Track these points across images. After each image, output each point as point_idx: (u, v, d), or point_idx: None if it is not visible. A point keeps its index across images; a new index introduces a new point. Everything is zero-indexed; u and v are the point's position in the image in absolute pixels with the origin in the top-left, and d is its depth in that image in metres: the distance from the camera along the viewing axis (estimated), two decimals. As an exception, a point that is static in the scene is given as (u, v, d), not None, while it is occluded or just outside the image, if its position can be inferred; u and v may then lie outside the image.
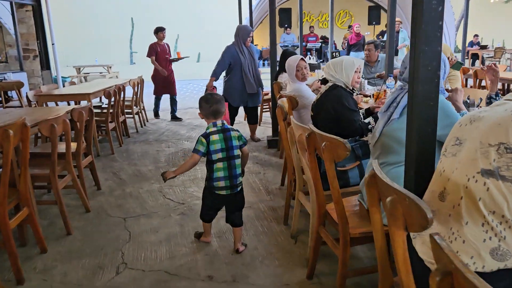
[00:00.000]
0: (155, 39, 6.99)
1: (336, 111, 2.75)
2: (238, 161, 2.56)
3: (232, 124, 5.30)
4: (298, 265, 2.42)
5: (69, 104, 6.06)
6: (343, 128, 2.72)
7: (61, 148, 3.23)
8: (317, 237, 2.19)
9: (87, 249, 2.69)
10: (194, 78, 15.93)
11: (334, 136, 1.79)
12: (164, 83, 7.09)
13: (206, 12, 16.82)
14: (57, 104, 5.70)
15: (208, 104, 2.53)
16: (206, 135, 2.49)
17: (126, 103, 6.25)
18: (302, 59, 3.70)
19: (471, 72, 5.90)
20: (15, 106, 6.28)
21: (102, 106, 6.35)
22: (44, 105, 5.08)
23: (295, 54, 4.89)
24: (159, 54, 6.93)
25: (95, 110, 5.52)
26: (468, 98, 2.87)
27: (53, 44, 9.68)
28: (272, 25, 5.13)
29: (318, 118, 2.92)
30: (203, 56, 17.32)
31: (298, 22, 9.59)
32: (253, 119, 5.56)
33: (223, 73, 5.32)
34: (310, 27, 16.00)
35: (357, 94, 4.11)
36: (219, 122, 2.53)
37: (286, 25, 15.19)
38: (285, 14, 15.17)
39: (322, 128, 2.75)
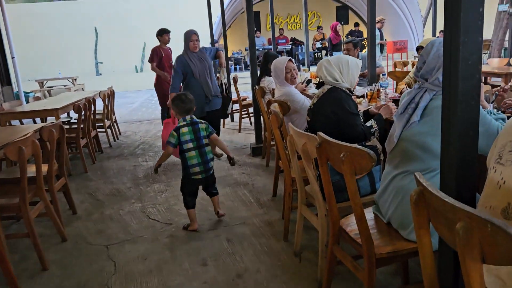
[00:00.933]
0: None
1: (336, 115, 2.54)
2: (208, 148, 3.00)
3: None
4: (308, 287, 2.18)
5: (35, 122, 5.64)
6: (344, 133, 2.51)
7: (31, 172, 2.87)
8: (331, 258, 1.96)
9: (67, 286, 2.36)
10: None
11: (356, 145, 1.56)
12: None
13: (173, 18, 16.45)
14: (21, 123, 5.27)
15: (184, 104, 2.97)
16: (177, 129, 2.93)
17: (97, 116, 5.87)
18: (290, 60, 3.49)
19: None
20: (-27, 126, 5.78)
21: (71, 121, 5.95)
22: (8, 125, 4.65)
23: (278, 56, 4.69)
24: (163, 60, 6.15)
25: (66, 126, 5.15)
26: None
27: (13, 58, 9.11)
28: (250, 27, 4.91)
29: (315, 123, 2.69)
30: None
31: (266, 25, 9.43)
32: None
33: None
34: (279, 29, 15.90)
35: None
36: (188, 117, 2.98)
37: (255, 28, 15.02)
38: (254, 17, 15.01)
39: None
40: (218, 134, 3.89)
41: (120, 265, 2.56)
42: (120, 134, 6.81)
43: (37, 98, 6.07)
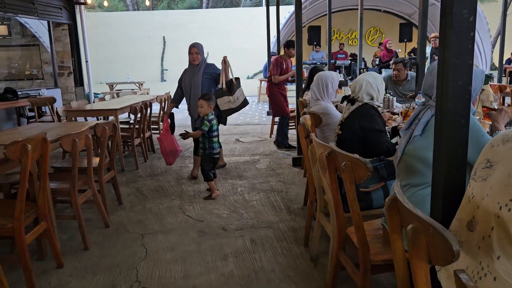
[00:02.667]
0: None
1: (364, 131, 2.64)
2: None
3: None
4: (317, 291, 2.28)
5: (98, 120, 6.19)
6: (369, 149, 2.60)
7: (85, 163, 3.23)
8: (336, 262, 2.06)
9: (103, 265, 2.65)
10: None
11: (355, 156, 1.67)
12: (286, 102, 6.14)
13: (235, 31, 17.05)
14: (86, 120, 5.82)
15: (214, 101, 4.03)
16: (209, 120, 3.86)
17: (153, 119, 6.31)
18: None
19: (508, 89, 5.63)
20: (47, 121, 6.46)
21: (130, 122, 6.45)
22: (73, 120, 5.18)
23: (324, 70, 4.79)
24: (283, 72, 5.97)
25: (123, 126, 5.62)
26: None
27: (86, 61, 10.02)
28: (298, 47, 5.06)
29: (344, 138, 2.80)
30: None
31: (327, 39, 9.54)
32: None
33: None
34: (339, 44, 15.88)
35: (384, 112, 3.97)
36: (213, 112, 3.94)
37: (315, 43, 15.17)
38: (314, 32, 15.19)
39: (347, 147, 2.66)
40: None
41: (151, 252, 2.81)
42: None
43: (102, 99, 6.66)
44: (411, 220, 1.05)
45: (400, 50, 14.01)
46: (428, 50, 9.92)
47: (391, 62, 7.01)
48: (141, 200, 3.91)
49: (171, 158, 4.37)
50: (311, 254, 2.66)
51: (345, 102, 2.90)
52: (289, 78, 6.07)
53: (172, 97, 4.74)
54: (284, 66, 5.96)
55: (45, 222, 2.51)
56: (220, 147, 4.12)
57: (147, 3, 15.30)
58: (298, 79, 5.15)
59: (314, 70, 5.28)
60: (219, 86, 4.49)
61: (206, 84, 4.49)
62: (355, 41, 17.26)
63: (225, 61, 4.49)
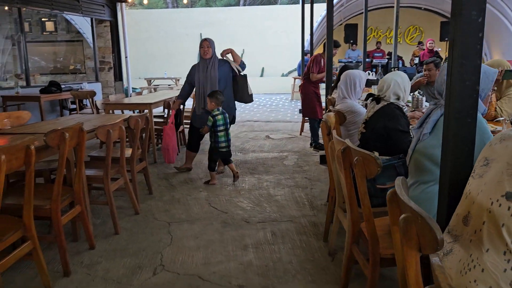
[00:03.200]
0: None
1: (387, 131, 2.67)
2: (229, 131, 4.36)
3: (197, 149, 4.77)
4: (331, 283, 2.35)
5: (134, 113, 6.46)
6: (391, 149, 2.63)
7: (119, 153, 3.43)
8: (349, 256, 2.12)
9: (131, 249, 2.83)
10: (256, 92, 16.20)
11: (367, 151, 1.73)
12: (319, 102, 6.05)
13: (270, 29, 17.12)
14: (123, 112, 6.09)
15: (221, 97, 4.23)
16: (213, 116, 4.19)
17: (186, 114, 6.51)
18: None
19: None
20: (87, 113, 6.80)
21: (164, 116, 6.68)
22: (111, 113, 5.45)
23: (355, 69, 4.80)
24: (322, 69, 5.92)
25: (157, 120, 5.85)
26: None
27: (126, 57, 10.41)
28: (329, 49, 5.10)
29: (368, 136, 2.83)
30: (266, 71, 17.59)
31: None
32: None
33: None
34: (376, 42, 15.62)
35: (413, 110, 3.95)
36: (220, 108, 4.24)
37: (351, 41, 14.99)
38: (351, 30, 15.00)
39: (370, 146, 2.70)
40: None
41: (175, 239, 2.97)
42: (205, 131, 7.41)
43: (139, 94, 6.93)
44: (406, 211, 1.11)
45: (440, 49, 13.64)
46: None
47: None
48: (170, 191, 4.09)
49: (173, 155, 4.63)
50: (329, 249, 2.72)
51: (369, 100, 2.93)
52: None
53: (181, 95, 4.84)
54: (323, 64, 5.91)
55: (79, 205, 2.71)
56: (228, 141, 4.30)
57: (185, 1, 15.62)
58: (328, 78, 5.18)
59: (344, 69, 5.30)
60: (236, 72, 4.58)
61: (223, 78, 4.51)
62: (392, 40, 16.93)
63: (230, 52, 4.63)
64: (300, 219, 3.33)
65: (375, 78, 6.88)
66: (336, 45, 5.89)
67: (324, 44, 6.00)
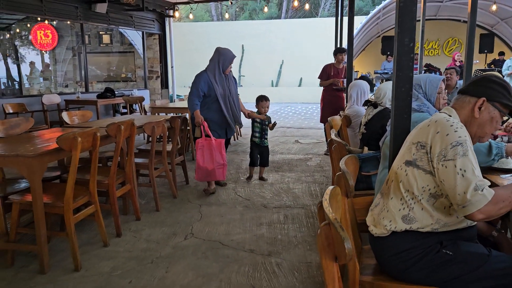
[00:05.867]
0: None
1: (384, 129, 3.19)
2: (265, 127, 4.73)
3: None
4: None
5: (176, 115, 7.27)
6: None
7: (161, 147, 4.15)
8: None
9: (168, 221, 3.51)
10: (294, 101, 16.84)
11: (341, 140, 2.30)
12: (333, 109, 6.17)
13: (307, 39, 17.70)
14: (166, 115, 6.90)
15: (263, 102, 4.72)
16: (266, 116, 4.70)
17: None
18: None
19: None
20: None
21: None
22: (156, 114, 6.26)
23: (368, 80, 5.31)
24: (330, 77, 6.27)
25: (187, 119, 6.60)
26: None
27: (172, 67, 11.38)
28: (349, 59, 5.63)
29: (368, 136, 3.35)
30: (304, 80, 18.16)
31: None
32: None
33: None
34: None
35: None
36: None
37: (388, 53, 15.27)
38: (388, 42, 15.28)
39: (370, 144, 3.23)
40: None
41: (204, 217, 3.62)
42: (240, 135, 8.10)
43: (181, 100, 7.74)
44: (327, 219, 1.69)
45: (477, 61, 13.65)
46: (510, 62, 9.98)
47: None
48: (204, 182, 4.76)
49: (217, 173, 4.16)
50: (328, 228, 3.27)
51: (366, 106, 3.46)
52: (336, 84, 6.28)
53: (197, 104, 4.23)
54: (333, 72, 6.31)
55: (129, 184, 3.43)
56: (265, 136, 4.74)
57: (227, 16, 16.58)
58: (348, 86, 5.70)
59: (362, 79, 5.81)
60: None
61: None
62: (431, 51, 17.01)
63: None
64: (311, 207, 3.90)
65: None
66: (335, 52, 6.50)
67: (333, 52, 6.56)
